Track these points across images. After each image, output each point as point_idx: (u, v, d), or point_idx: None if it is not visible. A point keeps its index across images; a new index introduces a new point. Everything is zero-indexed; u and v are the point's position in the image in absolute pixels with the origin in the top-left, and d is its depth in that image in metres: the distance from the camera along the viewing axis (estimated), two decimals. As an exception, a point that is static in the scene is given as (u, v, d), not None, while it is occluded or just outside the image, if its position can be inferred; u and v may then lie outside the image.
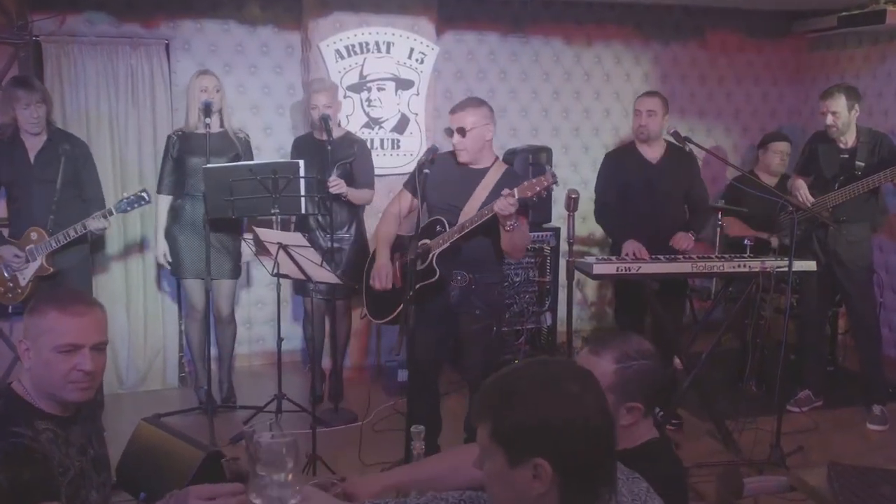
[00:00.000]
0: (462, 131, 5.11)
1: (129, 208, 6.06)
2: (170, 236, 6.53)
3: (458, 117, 5.15)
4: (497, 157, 5.34)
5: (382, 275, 5.37)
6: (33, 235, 5.93)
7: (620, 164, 6.47)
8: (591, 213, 8.52)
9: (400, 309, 5.29)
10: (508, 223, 4.87)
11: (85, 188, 6.16)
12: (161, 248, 6.56)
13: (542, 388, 1.97)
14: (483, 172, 5.21)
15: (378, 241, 5.53)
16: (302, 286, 6.62)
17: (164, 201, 6.56)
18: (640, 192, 6.30)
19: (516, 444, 1.95)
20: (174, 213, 6.52)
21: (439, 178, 5.10)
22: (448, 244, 5.07)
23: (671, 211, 6.38)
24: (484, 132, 5.17)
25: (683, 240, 6.14)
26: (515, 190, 4.78)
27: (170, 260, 6.55)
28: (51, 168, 5.97)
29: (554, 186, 4.94)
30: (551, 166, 7.67)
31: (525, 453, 1.93)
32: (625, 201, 6.36)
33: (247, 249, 6.36)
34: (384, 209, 5.70)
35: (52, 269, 5.96)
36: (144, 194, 6.04)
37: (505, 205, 4.76)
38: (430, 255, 5.08)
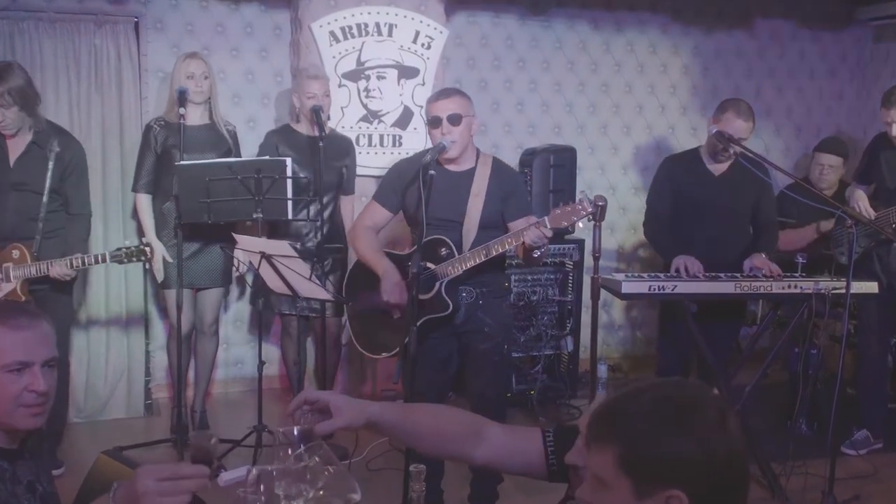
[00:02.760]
0: (456, 119, 5.05)
1: (126, 261, 5.83)
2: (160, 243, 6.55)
3: (445, 104, 5.10)
4: (479, 151, 5.32)
5: (395, 288, 5.15)
6: (15, 254, 5.72)
7: (679, 173, 6.38)
8: (619, 223, 8.61)
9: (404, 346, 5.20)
10: (536, 252, 4.88)
11: (70, 201, 6.00)
12: (158, 251, 6.51)
13: (684, 413, 2.00)
14: (470, 175, 5.20)
15: (366, 253, 5.36)
16: (279, 302, 6.59)
17: (145, 201, 6.57)
18: (698, 207, 6.23)
19: (650, 474, 1.96)
20: (162, 219, 6.54)
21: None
22: (461, 272, 5.03)
23: (732, 231, 6.32)
24: (471, 124, 5.17)
25: (761, 262, 6.00)
26: (547, 219, 4.75)
27: (170, 260, 6.52)
28: (34, 175, 5.79)
29: (590, 219, 4.87)
30: (576, 167, 7.68)
31: (659, 484, 1.95)
32: (680, 216, 6.31)
33: (238, 254, 6.25)
34: (353, 224, 5.68)
35: (23, 299, 5.70)
36: (147, 250, 5.84)
37: (538, 236, 4.75)
38: (438, 285, 5.04)
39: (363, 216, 5.54)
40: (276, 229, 6.58)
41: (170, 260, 6.50)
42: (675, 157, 6.73)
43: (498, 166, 5.29)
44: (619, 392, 2.10)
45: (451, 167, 5.21)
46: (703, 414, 1.99)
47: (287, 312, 6.72)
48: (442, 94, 5.27)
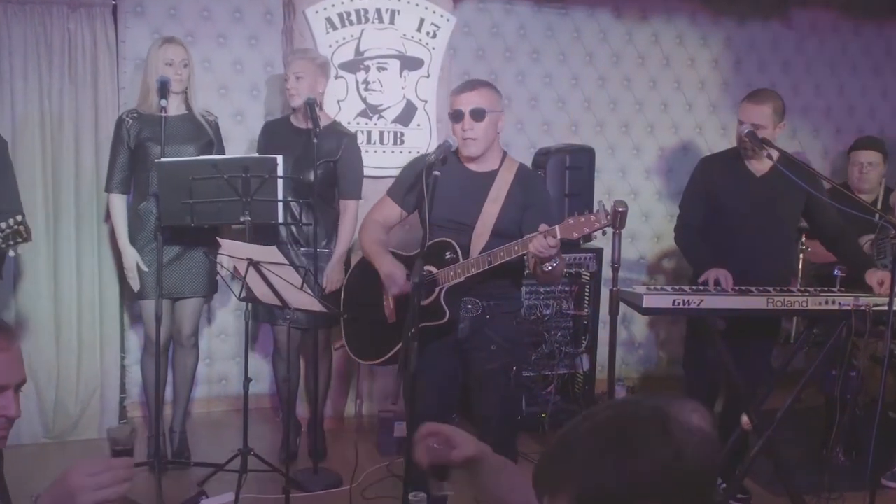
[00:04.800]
0: (479, 114, 5.04)
1: (4, 246, 5.39)
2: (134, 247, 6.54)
3: (470, 97, 5.09)
4: (505, 153, 5.30)
5: (399, 279, 5.14)
6: None
7: (716, 174, 6.30)
8: (641, 231, 8.60)
9: (397, 349, 5.20)
10: (547, 264, 4.79)
11: None
12: (131, 258, 6.51)
13: (623, 433, 2.04)
14: (491, 177, 5.17)
15: (371, 247, 5.38)
16: (268, 312, 6.63)
17: (119, 201, 6.56)
18: (736, 211, 6.16)
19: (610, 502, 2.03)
20: (138, 220, 6.52)
21: (439, 186, 4.95)
22: (462, 279, 4.98)
23: (773, 239, 6.22)
24: (497, 121, 5.15)
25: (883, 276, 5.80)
26: (557, 228, 4.64)
27: (144, 269, 6.49)
28: None
29: (607, 230, 4.76)
30: (594, 169, 7.68)
31: None
32: (716, 221, 6.24)
33: (224, 260, 6.19)
34: (364, 217, 5.66)
35: None
36: (22, 228, 5.31)
37: (543, 246, 4.63)
38: (438, 291, 5.01)
39: (374, 210, 5.57)
40: (265, 234, 6.58)
41: (144, 268, 6.49)
42: (712, 157, 6.66)
43: (523, 173, 5.26)
44: (562, 431, 2.14)
45: (472, 166, 5.20)
46: (643, 428, 2.04)
47: (271, 324, 6.75)
48: (467, 85, 5.22)
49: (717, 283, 5.80)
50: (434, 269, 5.02)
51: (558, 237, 4.63)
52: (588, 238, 4.79)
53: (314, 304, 5.64)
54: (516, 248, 4.80)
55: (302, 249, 6.55)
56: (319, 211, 6.49)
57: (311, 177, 6.32)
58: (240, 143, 7.44)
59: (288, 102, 6.68)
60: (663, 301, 5.68)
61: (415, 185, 5.23)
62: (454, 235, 5.05)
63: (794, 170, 5.91)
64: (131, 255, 6.51)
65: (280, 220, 6.22)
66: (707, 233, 6.24)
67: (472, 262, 4.94)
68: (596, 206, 4.69)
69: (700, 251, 6.24)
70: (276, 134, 6.71)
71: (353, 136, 6.84)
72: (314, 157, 6.22)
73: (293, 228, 6.59)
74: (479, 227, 5.07)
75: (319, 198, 6.47)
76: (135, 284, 6.57)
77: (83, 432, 7.13)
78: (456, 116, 5.11)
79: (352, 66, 7.29)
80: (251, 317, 6.20)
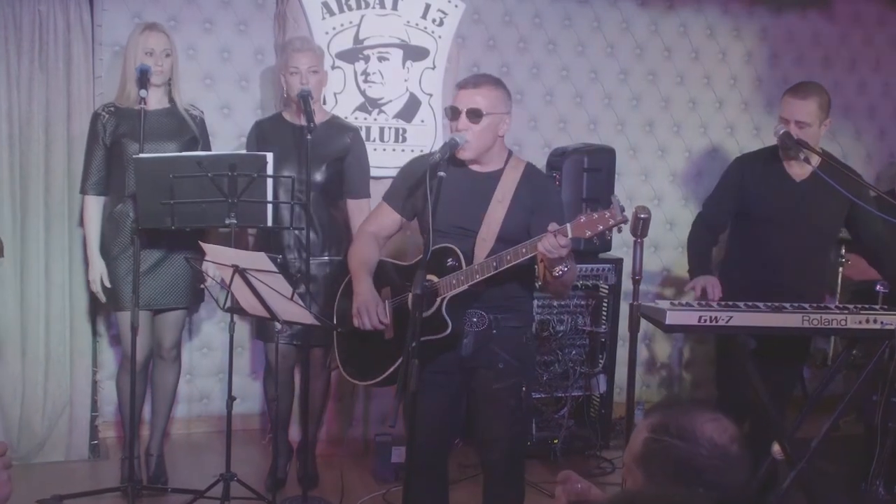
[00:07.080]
0: (476, 115, 4.96)
1: None
2: (107, 254, 6.51)
3: (468, 95, 5.02)
4: (510, 153, 5.24)
5: (371, 310, 5.10)
6: None
7: (752, 175, 6.31)
8: (665, 240, 8.58)
9: (394, 369, 5.11)
10: (558, 268, 4.73)
11: None
12: (97, 269, 6.52)
13: None
14: (495, 178, 5.12)
15: (355, 266, 5.33)
16: (264, 328, 6.61)
17: (94, 204, 6.54)
18: (772, 218, 6.16)
19: None
20: (113, 224, 6.49)
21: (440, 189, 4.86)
22: (466, 287, 4.90)
23: (810, 252, 6.23)
24: (499, 123, 5.06)
25: None
26: (568, 226, 4.58)
27: (108, 285, 6.50)
28: None
29: (623, 227, 4.69)
30: (614, 172, 7.67)
31: None
32: (748, 228, 6.24)
33: (210, 268, 6.13)
34: (358, 227, 5.65)
35: None
36: None
37: (553, 246, 4.57)
38: (440, 301, 4.93)
39: (368, 219, 5.55)
40: (265, 239, 6.58)
41: (107, 284, 6.49)
42: (749, 156, 6.65)
43: (531, 172, 5.21)
44: None
45: (474, 166, 5.13)
46: None
47: (266, 341, 6.69)
48: (470, 80, 5.12)
49: (703, 292, 5.81)
50: (435, 279, 4.95)
51: (570, 236, 4.57)
52: (602, 237, 4.73)
53: (306, 317, 5.61)
54: (524, 250, 4.73)
55: (325, 256, 6.58)
56: (326, 215, 6.49)
57: (316, 177, 6.33)
58: (227, 138, 7.41)
59: (279, 94, 6.69)
60: (688, 317, 5.66)
61: (415, 189, 5.18)
62: (457, 241, 4.99)
63: (837, 175, 5.89)
64: (98, 267, 6.50)
65: (269, 222, 6.21)
66: (735, 240, 6.23)
67: (477, 268, 4.86)
68: (611, 202, 4.63)
69: (700, 253, 6.27)
70: (271, 133, 6.65)
71: (358, 131, 6.88)
72: (308, 156, 6.17)
73: (296, 233, 6.52)
74: (484, 232, 5.01)
75: (327, 200, 6.50)
76: (101, 297, 6.58)
77: (50, 454, 7.09)
78: (452, 113, 5.06)
79: (350, 56, 7.26)
80: (254, 332, 6.20)
